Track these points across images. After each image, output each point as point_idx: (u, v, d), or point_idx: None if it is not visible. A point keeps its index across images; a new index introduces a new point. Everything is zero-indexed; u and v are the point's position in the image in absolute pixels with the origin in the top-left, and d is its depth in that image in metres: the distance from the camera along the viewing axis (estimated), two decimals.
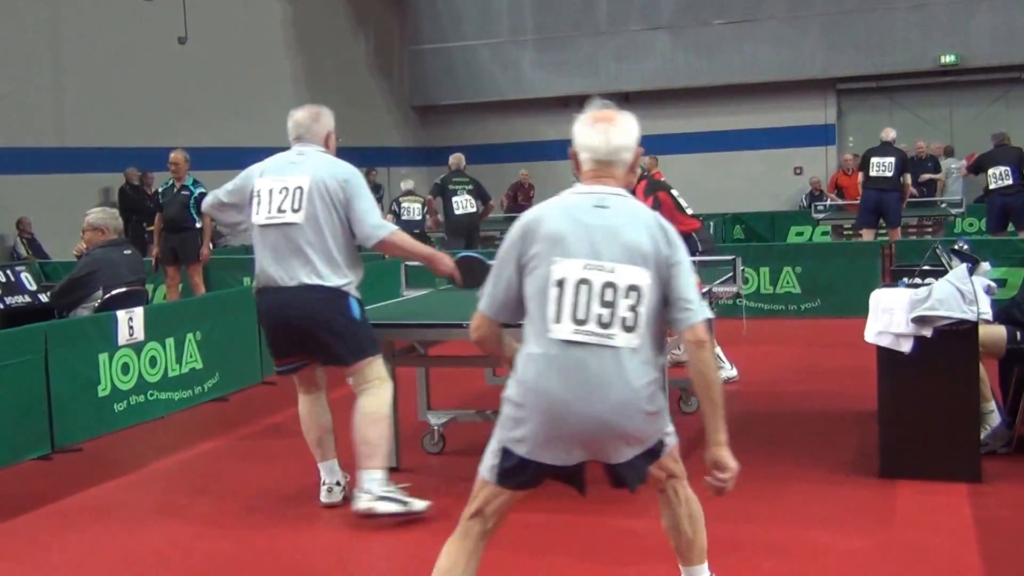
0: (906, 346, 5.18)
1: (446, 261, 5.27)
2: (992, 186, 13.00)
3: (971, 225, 16.05)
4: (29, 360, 6.32)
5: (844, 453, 5.82)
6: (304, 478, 5.76)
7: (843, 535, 4.59)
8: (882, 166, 13.04)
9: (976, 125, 20.34)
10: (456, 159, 14.09)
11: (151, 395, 7.29)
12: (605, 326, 2.99)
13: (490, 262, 5.30)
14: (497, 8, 23.16)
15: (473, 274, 5.16)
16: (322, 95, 21.88)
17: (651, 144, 18.70)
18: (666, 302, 3.09)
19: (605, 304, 3.00)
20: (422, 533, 4.75)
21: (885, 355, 5.27)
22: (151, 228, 11.91)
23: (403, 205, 14.32)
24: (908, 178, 13.41)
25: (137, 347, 7.15)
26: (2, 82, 14.94)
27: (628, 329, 3.00)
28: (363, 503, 4.96)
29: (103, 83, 16.26)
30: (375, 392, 5.05)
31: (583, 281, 3.01)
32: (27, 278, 8.46)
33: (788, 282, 10.97)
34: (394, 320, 5.71)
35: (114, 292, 7.20)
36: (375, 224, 5.01)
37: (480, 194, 13.98)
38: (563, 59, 22.62)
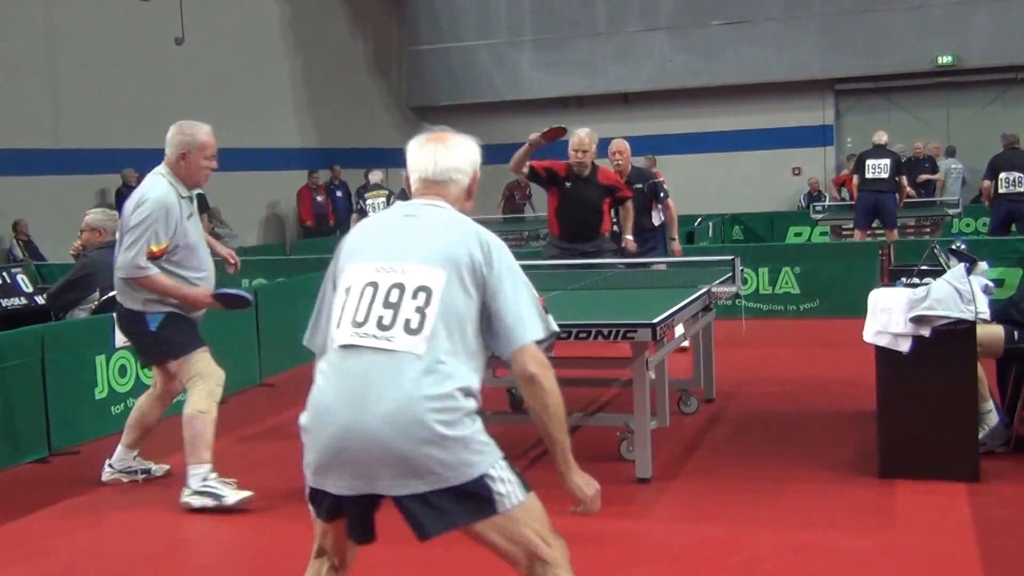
0: (904, 346, 5.19)
1: (202, 299, 5.42)
2: (1002, 190, 12.93)
3: (968, 225, 16.07)
4: (26, 363, 6.32)
5: (843, 453, 5.83)
6: (302, 479, 5.76)
7: (842, 535, 4.59)
8: (878, 168, 13.17)
9: (973, 125, 20.37)
10: None
11: None
12: (384, 328, 2.68)
13: (247, 296, 5.63)
14: (496, 9, 23.16)
15: (234, 304, 5.61)
16: (320, 96, 22.07)
17: (649, 145, 18.77)
18: (489, 324, 2.77)
19: (388, 305, 2.70)
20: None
21: (884, 355, 5.27)
22: None
23: (368, 201, 14.21)
24: (904, 179, 13.52)
25: (134, 349, 7.14)
26: (2, 88, 14.94)
27: (411, 331, 2.67)
28: (183, 497, 5.31)
29: (99, 84, 16.25)
30: (191, 392, 5.38)
31: (371, 284, 2.74)
32: (23, 280, 8.45)
33: (787, 282, 10.98)
34: None
35: (111, 294, 7.19)
36: (125, 263, 5.21)
37: None
38: (561, 60, 22.62)
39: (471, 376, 2.74)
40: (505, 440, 6.46)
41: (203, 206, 11.06)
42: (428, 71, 23.69)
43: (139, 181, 17.60)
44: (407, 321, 2.67)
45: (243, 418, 7.49)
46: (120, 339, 6.97)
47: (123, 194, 16.07)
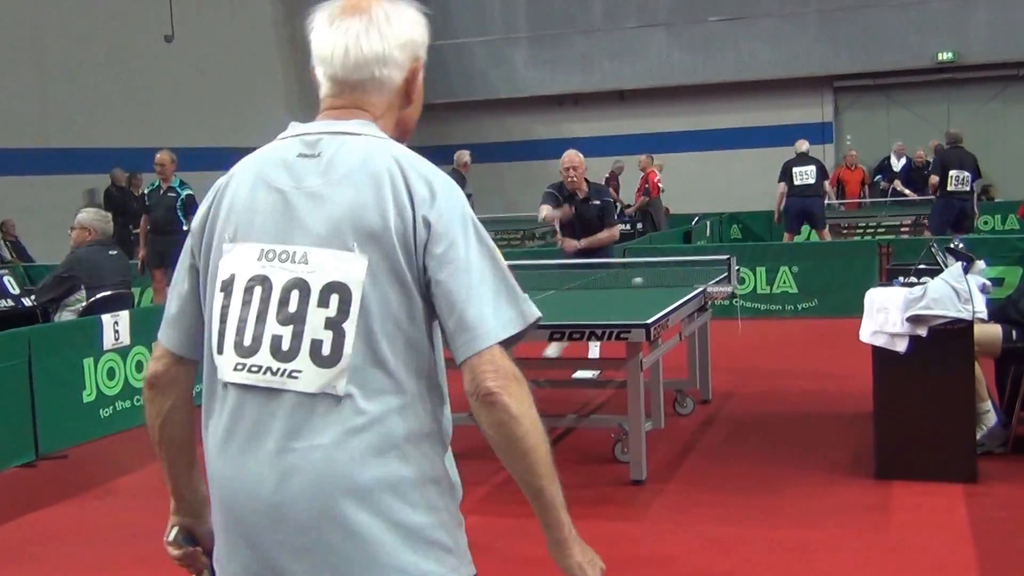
0: (901, 346, 5.20)
1: None
2: (951, 188, 13.02)
3: None
4: (13, 366, 6.33)
5: (840, 454, 5.85)
6: None
7: (839, 536, 4.61)
8: (804, 175, 13.85)
9: (974, 122, 20.39)
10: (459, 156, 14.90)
11: (137, 400, 7.27)
12: (284, 357, 1.77)
13: None
14: (490, 5, 23.19)
15: None
16: (313, 94, 21.91)
17: (647, 143, 18.85)
18: (438, 316, 1.79)
19: (286, 319, 1.78)
20: None
21: (880, 355, 5.29)
22: (137, 230, 11.92)
23: None
24: (827, 184, 14.49)
25: (123, 351, 7.15)
26: None
27: (323, 361, 1.75)
28: None
29: (88, 82, 16.25)
30: None
31: (257, 280, 1.81)
32: (10, 281, 8.46)
33: (785, 282, 11.00)
34: None
35: (99, 295, 7.22)
36: None
37: None
38: (557, 57, 22.64)
39: (429, 416, 1.83)
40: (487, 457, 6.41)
41: (191, 207, 11.06)
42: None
43: (129, 181, 17.52)
44: (315, 344, 1.76)
45: None
46: (109, 341, 7.00)
47: (111, 194, 16.08)
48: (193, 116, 17.37)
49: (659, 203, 17.25)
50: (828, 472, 5.53)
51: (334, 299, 1.76)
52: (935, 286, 5.21)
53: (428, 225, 1.77)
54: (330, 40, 1.94)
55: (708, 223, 15.66)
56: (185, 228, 10.99)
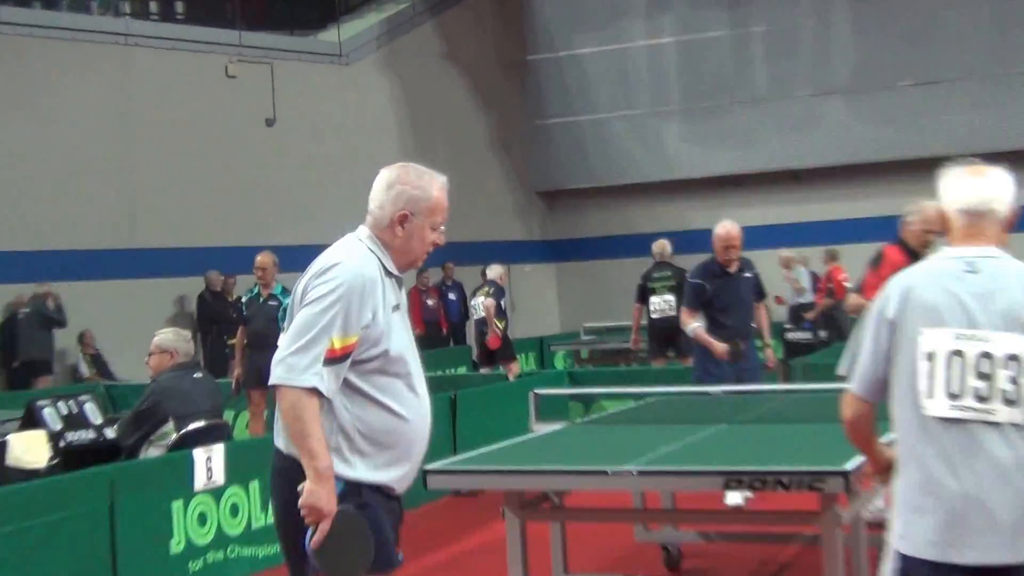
0: None
1: (326, 493, 3.66)
2: None
3: None
4: (92, 509, 6.39)
5: None
6: None
7: None
8: None
9: None
10: (659, 246, 13.88)
11: (231, 551, 7.29)
12: (983, 400, 3.27)
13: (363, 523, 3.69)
14: (636, 74, 23.27)
15: (339, 541, 3.68)
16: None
17: (826, 232, 18.44)
18: None
19: (981, 376, 3.29)
20: None
21: None
22: (233, 341, 12.00)
23: (473, 301, 13.69)
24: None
25: (216, 493, 7.19)
26: (69, 179, 15.42)
27: (1010, 402, 3.27)
28: None
29: (180, 173, 16.65)
30: None
31: (955, 353, 3.32)
32: (92, 409, 8.60)
33: None
34: (522, 466, 5.61)
35: (190, 427, 7.27)
36: (280, 356, 3.74)
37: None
38: (715, 132, 22.56)
39: None
40: None
41: None
42: (557, 149, 23.79)
43: (225, 284, 17.69)
44: (1003, 392, 3.28)
45: None
46: (201, 480, 7.04)
47: (205, 299, 16.40)
48: (298, 210, 17.50)
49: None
50: None
51: (1012, 363, 3.29)
52: None
53: None
54: (968, 190, 3.52)
55: None
56: None
